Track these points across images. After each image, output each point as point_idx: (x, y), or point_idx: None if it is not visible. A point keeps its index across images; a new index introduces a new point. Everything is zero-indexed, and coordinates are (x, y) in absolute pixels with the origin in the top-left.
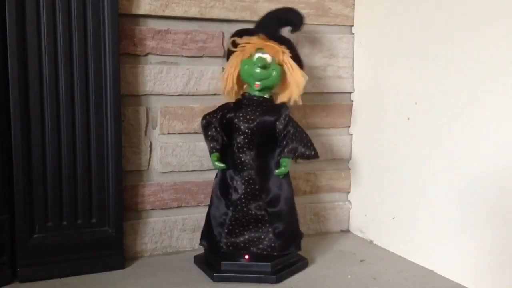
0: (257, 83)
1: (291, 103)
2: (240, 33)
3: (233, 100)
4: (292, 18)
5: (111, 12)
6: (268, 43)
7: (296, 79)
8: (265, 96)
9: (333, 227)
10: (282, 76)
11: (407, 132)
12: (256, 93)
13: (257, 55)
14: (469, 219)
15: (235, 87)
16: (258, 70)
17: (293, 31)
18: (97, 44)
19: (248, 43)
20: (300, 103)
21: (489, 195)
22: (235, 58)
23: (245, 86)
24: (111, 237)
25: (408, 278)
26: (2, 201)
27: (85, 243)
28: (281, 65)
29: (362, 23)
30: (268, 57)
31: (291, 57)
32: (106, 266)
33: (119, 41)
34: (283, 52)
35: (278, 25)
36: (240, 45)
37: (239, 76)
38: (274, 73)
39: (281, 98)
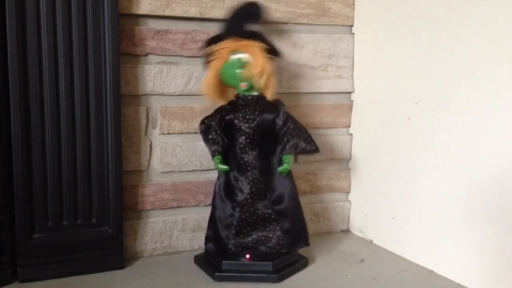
0: (243, 83)
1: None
2: (211, 41)
3: (220, 104)
4: (253, 11)
5: (111, 12)
6: (240, 42)
7: (262, 68)
8: (257, 94)
9: (333, 227)
10: None
11: (407, 132)
12: (248, 93)
13: (234, 56)
14: (469, 219)
15: (220, 94)
16: (238, 70)
17: (259, 23)
18: (97, 44)
19: (222, 48)
20: (275, 90)
21: (490, 195)
22: (214, 67)
23: (230, 90)
24: (111, 237)
25: (408, 278)
26: (2, 201)
27: (85, 243)
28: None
29: (362, 23)
30: (244, 56)
31: (267, 49)
32: (106, 266)
33: (119, 41)
34: (256, 46)
35: (243, 22)
36: (215, 53)
37: (220, 83)
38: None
39: (268, 93)
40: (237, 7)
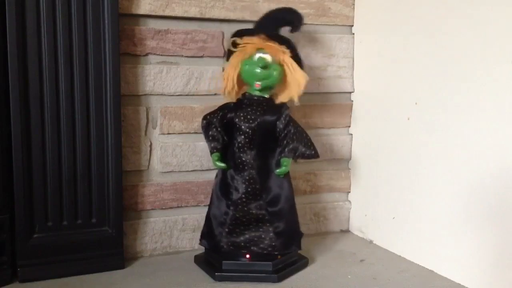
0: (258, 83)
1: (290, 102)
2: (240, 33)
3: (234, 100)
4: (292, 18)
5: (111, 12)
6: (268, 43)
7: (297, 79)
8: (265, 96)
9: (333, 227)
10: (282, 76)
11: (407, 132)
12: (257, 93)
13: (258, 55)
14: (469, 219)
15: (236, 87)
16: (258, 70)
17: (292, 31)
18: (97, 44)
19: (248, 43)
20: (298, 103)
21: (490, 195)
22: (236, 58)
23: (245, 86)
24: (111, 237)
25: (408, 278)
26: (2, 201)
27: (85, 243)
28: (281, 65)
29: (362, 23)
30: (268, 57)
31: (291, 57)
32: (106, 266)
33: (119, 41)
34: (283, 52)
35: (278, 25)
36: (240, 45)
37: (239, 76)
38: (274, 73)
39: (281, 98)
40: (276, 9)
